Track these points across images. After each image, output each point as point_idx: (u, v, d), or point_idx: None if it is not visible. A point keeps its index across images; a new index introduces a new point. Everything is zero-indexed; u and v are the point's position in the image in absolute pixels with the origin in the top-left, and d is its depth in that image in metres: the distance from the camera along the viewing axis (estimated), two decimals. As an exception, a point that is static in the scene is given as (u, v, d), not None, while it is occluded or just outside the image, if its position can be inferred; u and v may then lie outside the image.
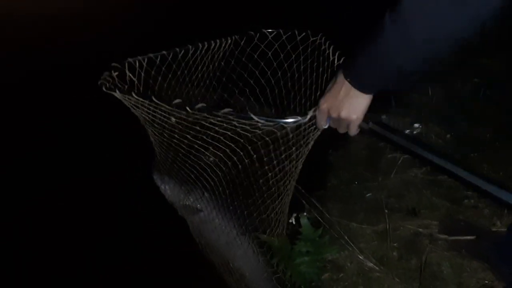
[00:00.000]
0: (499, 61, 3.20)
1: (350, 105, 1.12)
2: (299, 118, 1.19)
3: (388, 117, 2.86)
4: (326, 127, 1.25)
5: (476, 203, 2.22)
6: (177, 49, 1.53)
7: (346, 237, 2.15)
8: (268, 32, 1.55)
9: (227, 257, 1.98)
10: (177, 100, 1.22)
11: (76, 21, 5.33)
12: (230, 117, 1.19)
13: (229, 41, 1.60)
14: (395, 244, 2.09)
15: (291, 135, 1.32)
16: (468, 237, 2.01)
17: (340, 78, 1.13)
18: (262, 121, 1.17)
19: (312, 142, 1.48)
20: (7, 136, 3.47)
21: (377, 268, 2.00)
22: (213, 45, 1.57)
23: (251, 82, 1.69)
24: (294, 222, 2.19)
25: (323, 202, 2.40)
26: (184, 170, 1.73)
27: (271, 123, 1.19)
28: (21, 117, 3.75)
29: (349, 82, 1.10)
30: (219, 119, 1.23)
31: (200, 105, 1.20)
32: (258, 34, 1.57)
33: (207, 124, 1.32)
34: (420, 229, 2.14)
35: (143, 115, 1.45)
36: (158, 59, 1.50)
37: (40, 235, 2.66)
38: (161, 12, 5.44)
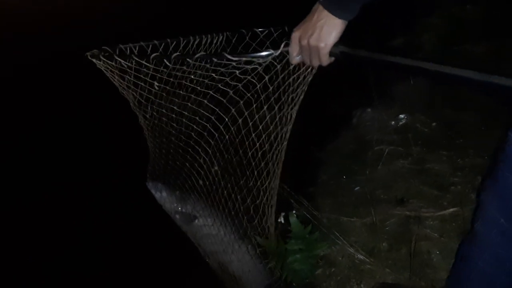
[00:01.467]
0: (482, 46, 3.22)
1: (320, 31, 1.12)
2: (272, 51, 1.20)
3: (372, 110, 2.87)
4: (298, 60, 1.23)
5: (463, 189, 2.24)
6: (168, 40, 1.54)
7: (336, 232, 2.16)
8: (259, 31, 1.53)
9: (224, 261, 2.00)
10: (154, 54, 1.28)
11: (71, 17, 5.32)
12: (205, 59, 1.23)
13: (221, 37, 1.59)
14: (384, 235, 2.10)
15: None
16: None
17: (315, 6, 1.13)
18: (235, 58, 1.19)
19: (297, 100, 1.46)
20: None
21: (368, 260, 2.01)
22: (204, 39, 1.56)
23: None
24: (283, 221, 2.19)
25: (313, 198, 2.42)
26: (178, 175, 1.77)
27: (244, 59, 1.21)
28: (16, 122, 3.75)
29: (322, 4, 1.10)
30: (197, 70, 1.28)
31: (175, 54, 1.26)
32: (249, 33, 1.55)
33: (187, 82, 1.37)
34: (409, 219, 2.15)
35: (131, 91, 1.49)
36: (149, 48, 1.50)
37: (37, 237, 2.70)
38: (156, 5, 5.42)
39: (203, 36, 1.57)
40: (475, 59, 3.13)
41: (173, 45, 1.53)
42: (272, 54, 1.20)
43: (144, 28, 4.35)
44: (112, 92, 1.62)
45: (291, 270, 2.01)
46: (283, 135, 1.53)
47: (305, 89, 1.44)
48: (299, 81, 1.35)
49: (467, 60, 3.23)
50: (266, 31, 1.53)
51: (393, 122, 2.76)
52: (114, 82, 1.57)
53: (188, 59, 1.27)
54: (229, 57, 1.19)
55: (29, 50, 4.76)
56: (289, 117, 1.49)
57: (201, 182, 1.69)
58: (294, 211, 2.20)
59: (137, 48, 1.50)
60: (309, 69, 1.33)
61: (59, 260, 2.59)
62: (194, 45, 1.53)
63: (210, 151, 1.52)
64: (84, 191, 2.96)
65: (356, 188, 2.40)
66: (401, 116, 2.80)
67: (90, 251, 2.58)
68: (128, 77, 1.46)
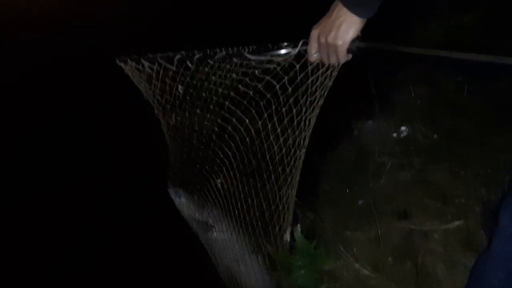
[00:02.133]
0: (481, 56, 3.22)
1: (338, 28, 1.13)
2: (290, 49, 1.22)
3: (373, 121, 2.87)
4: (316, 58, 1.23)
5: (466, 200, 2.23)
6: (195, 52, 1.49)
7: (340, 246, 2.16)
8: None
9: (234, 272, 2.00)
10: (178, 56, 1.35)
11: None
12: (226, 59, 1.29)
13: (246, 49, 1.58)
14: (389, 249, 2.09)
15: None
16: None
17: (334, 4, 1.14)
18: (254, 57, 1.22)
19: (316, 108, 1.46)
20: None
21: (372, 275, 2.01)
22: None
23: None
24: (288, 238, 2.19)
25: (316, 210, 2.41)
26: (197, 182, 1.79)
27: (263, 58, 1.23)
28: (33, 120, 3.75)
29: (341, 1, 1.11)
30: (217, 71, 1.33)
31: (197, 55, 1.31)
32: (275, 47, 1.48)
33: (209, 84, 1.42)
34: (413, 232, 2.14)
35: (155, 94, 1.55)
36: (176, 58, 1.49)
37: (45, 238, 2.76)
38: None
39: (230, 49, 1.58)
40: (475, 70, 3.12)
41: (199, 55, 1.53)
42: (290, 52, 1.22)
43: (146, 30, 4.37)
44: (135, 97, 1.65)
45: (296, 286, 2.00)
46: (301, 141, 1.52)
47: (324, 95, 1.44)
48: (317, 83, 1.34)
49: (466, 68, 3.24)
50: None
51: (394, 134, 2.76)
52: (140, 87, 1.60)
53: (209, 60, 1.31)
54: (248, 56, 1.21)
55: (38, 51, 4.77)
56: (307, 123, 1.48)
57: (217, 190, 1.72)
58: (299, 225, 2.19)
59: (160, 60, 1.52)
60: (328, 72, 1.33)
61: (63, 260, 2.61)
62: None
63: (227, 158, 1.54)
64: (105, 194, 2.99)
65: (360, 201, 2.39)
66: (403, 127, 2.80)
67: (104, 253, 2.64)
68: (155, 81, 1.49)
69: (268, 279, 2.00)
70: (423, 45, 1.21)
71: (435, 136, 2.71)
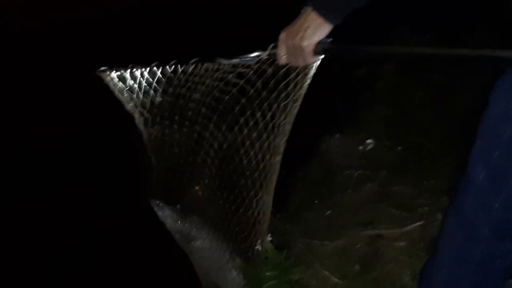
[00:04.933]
0: (439, 74, 3.37)
1: (304, 31, 1.16)
2: (260, 52, 1.26)
3: (340, 135, 2.96)
4: (285, 61, 1.26)
5: (429, 209, 2.32)
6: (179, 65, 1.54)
7: (309, 256, 2.20)
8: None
9: (215, 281, 2.01)
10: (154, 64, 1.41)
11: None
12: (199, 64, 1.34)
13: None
14: (356, 258, 2.14)
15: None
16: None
17: (303, 9, 1.18)
18: (225, 62, 1.28)
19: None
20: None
21: (341, 283, 2.05)
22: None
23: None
24: (260, 248, 2.21)
25: (285, 223, 2.45)
26: (179, 194, 1.81)
27: (234, 61, 1.28)
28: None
29: (311, 6, 1.15)
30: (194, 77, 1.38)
31: (172, 62, 1.37)
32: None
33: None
34: (379, 240, 2.21)
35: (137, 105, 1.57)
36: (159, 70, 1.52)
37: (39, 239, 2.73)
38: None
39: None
40: (435, 87, 3.28)
41: (174, 62, 1.53)
42: (260, 55, 1.26)
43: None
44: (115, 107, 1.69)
45: (266, 296, 2.02)
46: (275, 147, 1.55)
47: (298, 102, 1.47)
48: (289, 88, 1.38)
49: (427, 86, 3.39)
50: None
51: (360, 148, 2.85)
52: (121, 99, 1.62)
53: (183, 65, 1.37)
54: (220, 60, 1.27)
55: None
56: (281, 129, 1.51)
57: (197, 199, 1.74)
58: (269, 236, 2.22)
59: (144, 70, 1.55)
60: (299, 77, 1.36)
61: (63, 261, 2.59)
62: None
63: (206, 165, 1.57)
64: (88, 204, 2.97)
65: (327, 213, 2.45)
66: (368, 141, 2.90)
67: (93, 255, 2.61)
68: (138, 92, 1.52)
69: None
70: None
71: (399, 149, 2.82)
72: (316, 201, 2.57)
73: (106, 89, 1.55)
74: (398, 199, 2.41)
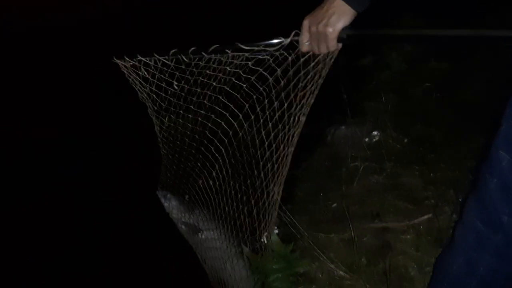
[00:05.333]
0: (445, 64, 3.35)
1: (329, 18, 1.16)
2: (282, 39, 1.24)
3: (346, 127, 2.94)
4: (307, 48, 1.25)
5: (436, 202, 2.31)
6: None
7: (316, 249, 2.19)
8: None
9: (220, 273, 2.02)
10: (173, 50, 1.38)
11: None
12: (219, 51, 1.31)
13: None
14: (362, 250, 2.14)
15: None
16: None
17: None
18: (247, 48, 1.25)
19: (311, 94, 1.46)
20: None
21: (347, 275, 2.04)
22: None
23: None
24: (265, 241, 2.21)
25: (291, 214, 2.44)
26: (187, 186, 1.81)
27: (255, 48, 1.26)
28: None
29: None
30: (212, 64, 1.35)
31: (192, 49, 1.34)
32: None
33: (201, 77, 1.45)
34: (385, 233, 2.20)
35: (150, 94, 1.58)
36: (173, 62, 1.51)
37: (42, 239, 2.76)
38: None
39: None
40: (441, 77, 3.25)
41: (193, 49, 1.49)
42: (283, 42, 1.24)
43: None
44: (131, 98, 1.70)
45: (272, 289, 2.02)
46: (289, 138, 1.53)
47: (315, 93, 1.46)
48: (308, 77, 1.36)
49: (433, 76, 3.36)
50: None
51: (366, 139, 2.83)
52: (135, 86, 1.61)
53: (203, 53, 1.33)
54: (241, 46, 1.24)
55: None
56: (296, 119, 1.49)
57: (206, 192, 1.73)
58: (276, 229, 2.22)
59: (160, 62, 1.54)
60: (319, 67, 1.34)
61: (64, 260, 2.61)
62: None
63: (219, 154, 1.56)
64: (94, 195, 3.00)
65: (333, 205, 2.44)
66: (374, 132, 2.88)
67: (93, 254, 2.63)
68: (151, 79, 1.53)
69: (249, 281, 2.01)
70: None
71: (406, 141, 2.80)
72: (322, 194, 2.56)
73: (106, 85, 1.56)
74: (404, 192, 2.40)
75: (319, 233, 2.29)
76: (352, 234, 2.20)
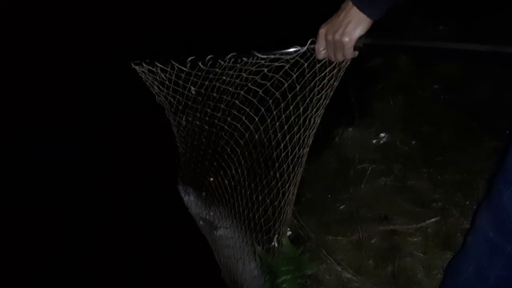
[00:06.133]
0: (454, 66, 3.33)
1: (345, 27, 1.17)
2: (298, 47, 1.27)
3: (353, 129, 2.94)
4: (324, 55, 1.27)
5: (444, 205, 2.31)
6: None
7: (323, 251, 2.20)
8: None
9: (233, 271, 2.05)
10: (191, 58, 1.43)
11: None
12: (235, 58, 1.35)
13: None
14: (370, 253, 2.15)
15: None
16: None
17: (344, 3, 1.18)
18: (264, 56, 1.28)
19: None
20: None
21: (355, 278, 2.05)
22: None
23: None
24: (276, 245, 2.22)
25: (298, 217, 2.45)
26: (205, 182, 1.85)
27: (272, 56, 1.29)
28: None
29: (352, 1, 1.15)
30: (229, 71, 1.40)
31: (209, 56, 1.38)
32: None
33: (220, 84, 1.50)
34: (393, 235, 2.21)
35: (168, 97, 1.63)
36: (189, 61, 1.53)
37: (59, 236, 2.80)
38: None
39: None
40: (449, 79, 3.24)
41: (210, 56, 1.52)
42: (299, 50, 1.26)
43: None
44: (147, 99, 1.76)
45: (280, 290, 2.04)
46: (305, 139, 1.56)
47: (330, 95, 1.48)
48: (324, 81, 1.38)
49: (441, 77, 3.35)
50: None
51: (374, 141, 2.83)
52: (152, 90, 1.65)
53: (219, 60, 1.37)
54: (258, 54, 1.27)
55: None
56: (312, 121, 1.52)
57: (222, 191, 1.77)
58: (289, 230, 2.23)
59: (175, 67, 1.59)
60: (334, 71, 1.37)
61: (66, 260, 2.65)
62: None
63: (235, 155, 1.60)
64: (115, 190, 3.03)
65: (341, 207, 2.45)
66: (382, 134, 2.88)
67: (114, 247, 2.68)
68: (168, 83, 1.56)
69: (259, 281, 2.04)
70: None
71: (413, 143, 2.79)
72: (329, 195, 2.57)
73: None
74: (413, 194, 2.40)
75: (326, 235, 2.30)
76: (360, 236, 2.20)
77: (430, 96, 3.23)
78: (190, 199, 2.04)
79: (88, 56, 4.49)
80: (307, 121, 1.48)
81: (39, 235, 2.81)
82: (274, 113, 1.44)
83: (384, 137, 2.86)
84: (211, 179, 1.85)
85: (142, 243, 2.67)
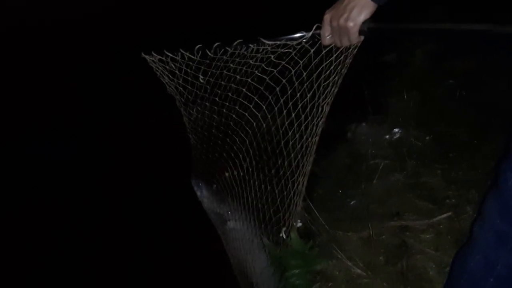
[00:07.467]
0: (470, 62, 3.28)
1: (350, 12, 1.18)
2: (304, 33, 1.28)
3: (367, 124, 2.91)
4: (329, 41, 1.27)
5: (457, 202, 2.28)
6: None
7: (334, 246, 2.19)
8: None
9: (244, 263, 2.05)
10: (198, 46, 1.46)
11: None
12: (242, 45, 1.37)
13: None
14: (381, 249, 2.13)
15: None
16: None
17: None
18: (270, 42, 1.29)
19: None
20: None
21: (364, 274, 2.04)
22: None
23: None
24: (284, 236, 2.22)
25: (309, 212, 2.44)
26: (216, 175, 1.85)
27: (278, 42, 1.30)
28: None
29: None
30: (235, 58, 1.41)
31: (216, 44, 1.41)
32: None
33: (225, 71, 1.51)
34: (405, 232, 2.18)
35: (178, 87, 1.65)
36: (199, 55, 1.54)
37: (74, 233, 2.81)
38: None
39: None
40: (464, 75, 3.20)
41: (217, 44, 1.53)
42: (304, 35, 1.27)
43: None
44: (159, 91, 1.78)
45: (289, 285, 2.03)
46: (313, 128, 1.55)
47: (338, 83, 1.47)
48: (331, 68, 1.38)
49: (457, 73, 3.30)
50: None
51: (387, 137, 2.81)
52: (163, 81, 1.67)
53: (227, 48, 1.40)
54: (264, 41, 1.28)
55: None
56: (320, 109, 1.51)
57: (232, 182, 1.77)
58: (299, 222, 2.21)
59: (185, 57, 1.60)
60: (341, 57, 1.36)
61: (71, 260, 2.67)
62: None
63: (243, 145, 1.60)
64: (115, 190, 3.06)
65: (352, 202, 2.43)
66: (395, 130, 2.85)
67: (127, 240, 2.70)
68: (178, 73, 1.61)
69: (268, 273, 2.03)
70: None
71: (427, 139, 2.76)
72: (341, 191, 2.55)
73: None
74: (425, 190, 2.37)
75: (337, 231, 2.28)
76: (371, 232, 2.19)
77: (445, 92, 3.19)
78: (203, 193, 2.05)
79: (88, 56, 4.53)
80: (315, 109, 1.47)
81: (40, 235, 2.82)
82: (282, 101, 1.44)
83: (397, 133, 2.83)
84: (222, 170, 1.85)
85: (143, 243, 2.67)
